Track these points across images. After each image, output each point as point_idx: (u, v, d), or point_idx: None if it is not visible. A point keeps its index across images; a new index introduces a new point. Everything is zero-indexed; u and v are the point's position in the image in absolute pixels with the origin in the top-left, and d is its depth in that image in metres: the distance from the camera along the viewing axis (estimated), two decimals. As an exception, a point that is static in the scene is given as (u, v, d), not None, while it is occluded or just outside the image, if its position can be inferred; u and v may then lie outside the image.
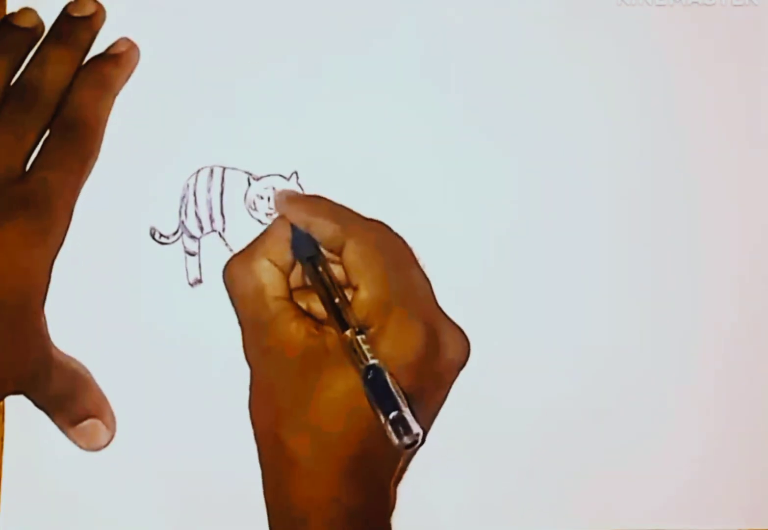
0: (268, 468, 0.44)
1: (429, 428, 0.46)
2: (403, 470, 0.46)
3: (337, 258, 0.45)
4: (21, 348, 0.45)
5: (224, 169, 0.50)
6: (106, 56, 0.49)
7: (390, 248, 0.45)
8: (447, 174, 0.50)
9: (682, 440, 0.50)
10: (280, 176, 0.50)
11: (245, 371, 0.45)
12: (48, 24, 0.49)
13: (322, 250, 0.45)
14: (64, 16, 0.49)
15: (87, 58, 0.50)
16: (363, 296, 0.43)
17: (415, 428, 0.40)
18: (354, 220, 0.46)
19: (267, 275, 0.44)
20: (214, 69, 0.50)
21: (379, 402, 0.40)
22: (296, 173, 0.50)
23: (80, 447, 0.48)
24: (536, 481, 0.49)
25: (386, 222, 0.46)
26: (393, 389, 0.40)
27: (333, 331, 0.43)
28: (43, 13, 0.49)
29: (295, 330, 0.43)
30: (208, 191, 0.50)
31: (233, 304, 0.45)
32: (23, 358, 0.45)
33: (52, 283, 0.46)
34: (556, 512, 0.49)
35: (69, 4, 0.50)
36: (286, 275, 0.45)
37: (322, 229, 0.45)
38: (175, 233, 0.50)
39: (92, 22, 0.49)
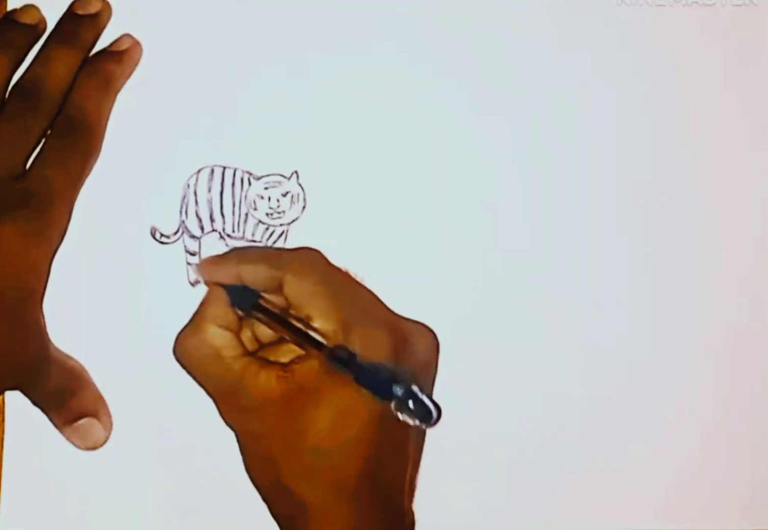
0: (284, 520, 0.44)
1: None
2: (414, 484, 0.46)
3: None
4: (19, 344, 0.45)
5: (224, 169, 0.50)
6: (109, 53, 0.49)
7: (327, 271, 0.44)
8: (447, 173, 0.50)
9: (682, 440, 0.50)
10: (280, 175, 0.50)
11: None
12: (50, 20, 0.49)
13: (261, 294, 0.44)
14: (69, 13, 0.49)
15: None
16: (319, 324, 0.42)
17: (426, 400, 0.40)
18: (282, 254, 0.45)
19: (219, 339, 0.43)
20: (216, 68, 0.50)
21: (380, 390, 0.40)
22: (296, 172, 0.50)
23: (76, 445, 0.48)
24: (535, 482, 0.49)
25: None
26: (387, 372, 0.40)
27: (299, 367, 0.42)
28: (44, 9, 0.49)
29: (265, 380, 0.42)
30: (209, 190, 0.50)
31: (196, 378, 0.44)
32: (21, 354, 0.45)
33: (53, 281, 0.46)
34: (555, 512, 0.49)
35: (74, 1, 0.49)
36: (237, 334, 0.44)
37: (255, 273, 0.44)
38: (175, 233, 0.50)
39: (97, 21, 0.49)
